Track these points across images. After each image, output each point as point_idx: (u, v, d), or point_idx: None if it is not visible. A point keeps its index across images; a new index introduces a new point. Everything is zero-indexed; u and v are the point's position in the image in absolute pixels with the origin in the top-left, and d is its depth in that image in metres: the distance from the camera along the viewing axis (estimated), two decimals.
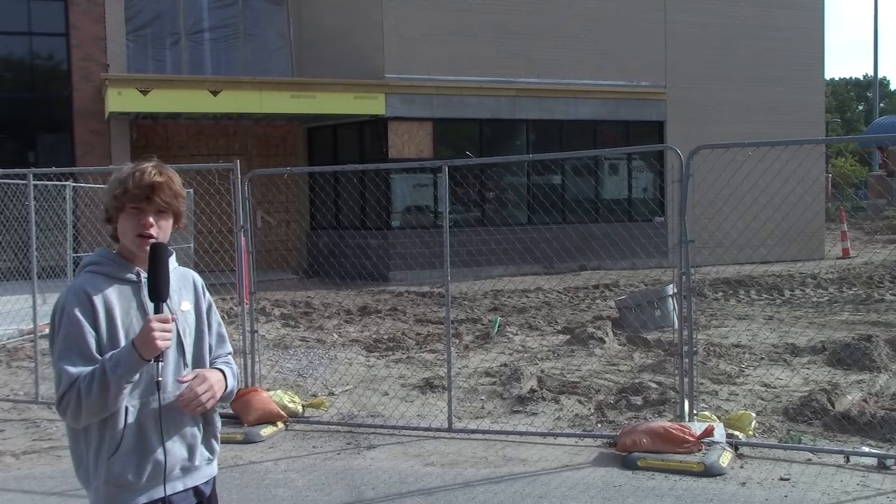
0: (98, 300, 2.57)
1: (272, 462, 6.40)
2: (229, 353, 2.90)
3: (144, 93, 17.01)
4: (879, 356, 8.79)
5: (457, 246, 11.71)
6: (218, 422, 2.85)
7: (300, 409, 7.59)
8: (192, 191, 15.26)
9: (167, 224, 2.67)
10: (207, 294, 2.84)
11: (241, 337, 7.94)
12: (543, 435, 6.85)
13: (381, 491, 5.74)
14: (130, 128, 18.99)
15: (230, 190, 7.89)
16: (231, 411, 7.31)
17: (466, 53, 19.01)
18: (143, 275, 2.65)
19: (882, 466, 5.85)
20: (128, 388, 2.51)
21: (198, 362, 2.76)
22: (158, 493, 2.64)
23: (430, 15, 18.80)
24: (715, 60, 21.10)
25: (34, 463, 6.50)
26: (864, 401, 7.30)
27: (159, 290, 2.56)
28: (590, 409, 7.55)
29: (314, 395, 8.14)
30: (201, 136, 20.38)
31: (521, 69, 19.47)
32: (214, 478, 2.85)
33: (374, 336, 11.33)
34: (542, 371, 8.87)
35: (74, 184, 13.67)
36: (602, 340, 10.25)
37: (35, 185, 8.77)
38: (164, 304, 2.59)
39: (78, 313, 2.54)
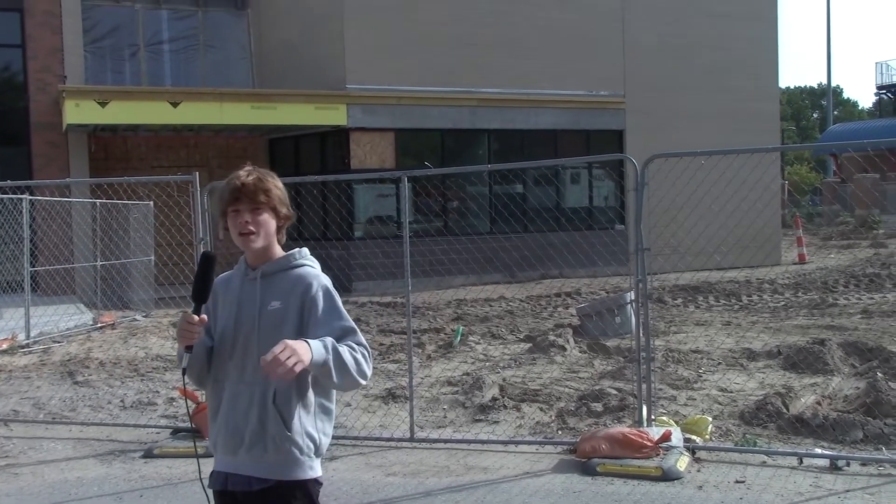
0: (220, 288, 3.03)
1: None
2: (346, 337, 2.89)
3: (103, 104, 16.85)
4: (832, 359, 8.98)
5: (418, 256, 11.73)
6: (314, 426, 2.93)
7: None
8: (151, 203, 15.18)
9: (264, 219, 2.93)
10: (318, 295, 2.92)
11: None
12: (505, 443, 6.91)
13: (343, 502, 5.75)
14: (89, 140, 18.79)
15: (189, 202, 7.86)
16: (194, 425, 7.28)
17: (427, 64, 19.10)
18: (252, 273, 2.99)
19: (834, 467, 5.99)
20: (183, 363, 2.88)
21: (268, 350, 2.83)
22: (220, 465, 2.99)
23: (390, 26, 18.86)
24: (672, 70, 21.42)
25: None
26: (818, 403, 7.46)
27: (196, 293, 2.89)
28: (551, 416, 7.63)
29: None
30: (161, 147, 20.23)
31: (482, 79, 19.61)
32: (288, 482, 2.90)
33: None
34: (504, 379, 8.93)
35: (31, 197, 13.50)
36: (563, 348, 10.35)
37: None
38: (204, 306, 2.91)
39: (210, 302, 2.99)
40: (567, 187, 21.35)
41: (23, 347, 12.11)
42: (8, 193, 12.26)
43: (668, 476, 5.88)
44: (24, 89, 18.87)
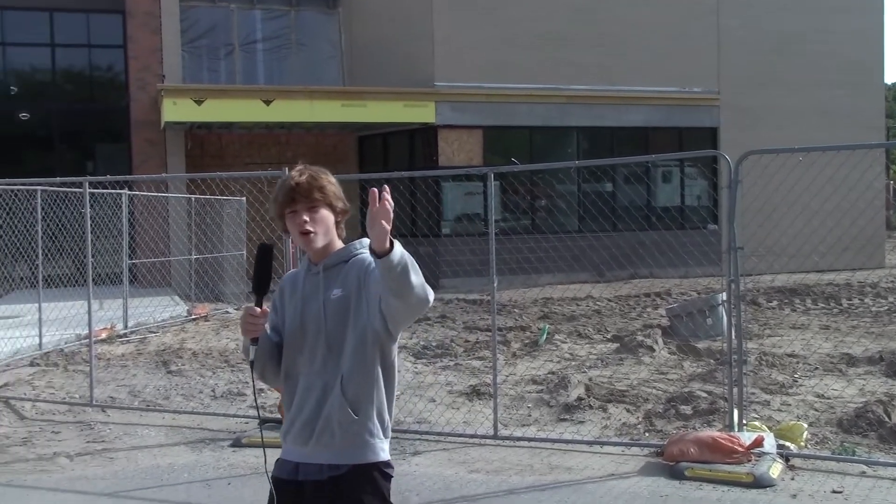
0: (287, 287, 3.05)
1: None
2: None
3: (199, 103, 17.33)
4: None
5: (505, 254, 11.66)
6: (381, 409, 2.92)
7: None
8: (243, 199, 15.54)
9: (322, 216, 2.92)
10: (372, 263, 2.88)
11: None
12: (590, 443, 6.79)
13: (426, 497, 5.74)
14: (185, 137, 19.35)
15: None
16: (279, 416, 7.40)
17: (516, 61, 18.99)
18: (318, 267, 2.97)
19: None
20: (250, 355, 2.91)
21: (334, 339, 2.90)
22: (290, 454, 2.95)
23: (479, 23, 18.84)
24: (769, 65, 20.75)
25: (87, 464, 6.64)
26: None
27: (257, 286, 2.91)
28: (638, 417, 7.47)
29: None
30: (254, 144, 20.69)
31: (571, 76, 19.39)
32: (361, 466, 2.89)
33: (422, 343, 11.35)
34: (590, 379, 8.80)
35: (130, 192, 13.97)
36: (651, 349, 10.14)
37: (91, 194, 8.98)
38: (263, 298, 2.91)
39: (275, 297, 3.09)
40: (658, 185, 20.93)
41: (121, 337, 12.55)
42: (108, 188, 12.70)
43: (759, 483, 5.67)
44: (125, 88, 19.58)
